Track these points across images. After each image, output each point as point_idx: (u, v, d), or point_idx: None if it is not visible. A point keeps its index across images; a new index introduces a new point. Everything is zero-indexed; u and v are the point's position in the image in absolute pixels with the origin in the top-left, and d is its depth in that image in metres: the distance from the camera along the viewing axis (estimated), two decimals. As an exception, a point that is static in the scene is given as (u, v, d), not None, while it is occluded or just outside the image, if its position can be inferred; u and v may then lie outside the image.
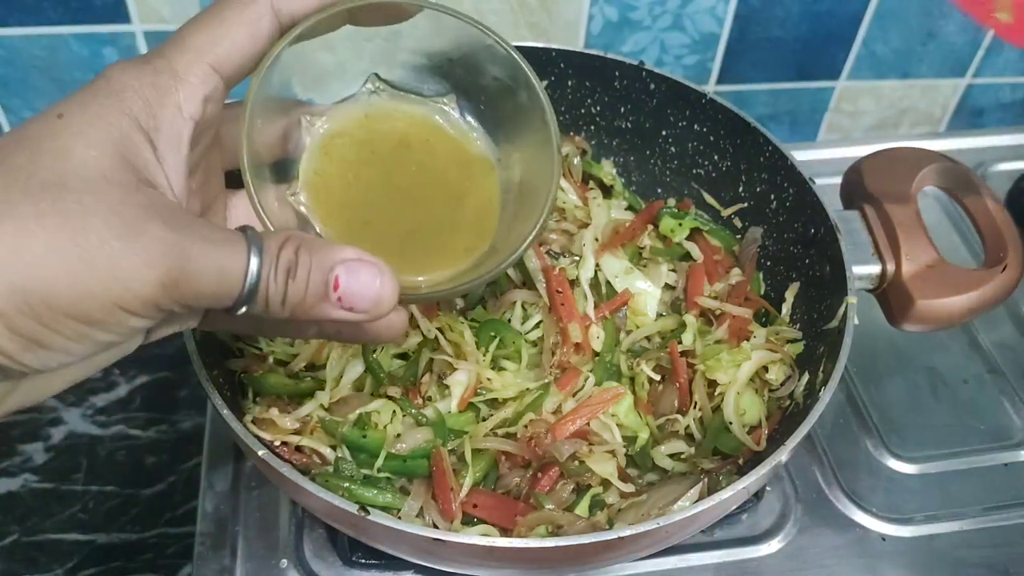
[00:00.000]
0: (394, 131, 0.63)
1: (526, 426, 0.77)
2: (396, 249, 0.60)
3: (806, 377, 0.80)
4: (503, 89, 0.61)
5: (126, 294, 0.41)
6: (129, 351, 0.49)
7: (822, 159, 1.20)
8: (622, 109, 0.97)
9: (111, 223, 0.40)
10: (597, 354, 0.85)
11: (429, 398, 0.81)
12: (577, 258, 0.90)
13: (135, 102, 0.44)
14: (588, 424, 0.78)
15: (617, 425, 0.79)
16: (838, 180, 0.88)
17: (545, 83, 0.97)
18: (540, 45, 0.94)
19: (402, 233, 0.61)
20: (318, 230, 0.58)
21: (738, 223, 0.95)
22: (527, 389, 0.81)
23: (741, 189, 0.94)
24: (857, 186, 0.85)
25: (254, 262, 0.44)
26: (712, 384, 0.82)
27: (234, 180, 0.54)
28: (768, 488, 0.89)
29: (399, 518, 0.71)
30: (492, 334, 0.84)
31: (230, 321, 0.54)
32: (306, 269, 0.45)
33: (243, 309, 0.45)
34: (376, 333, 0.56)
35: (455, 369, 0.80)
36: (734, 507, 0.74)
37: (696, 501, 0.70)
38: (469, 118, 0.65)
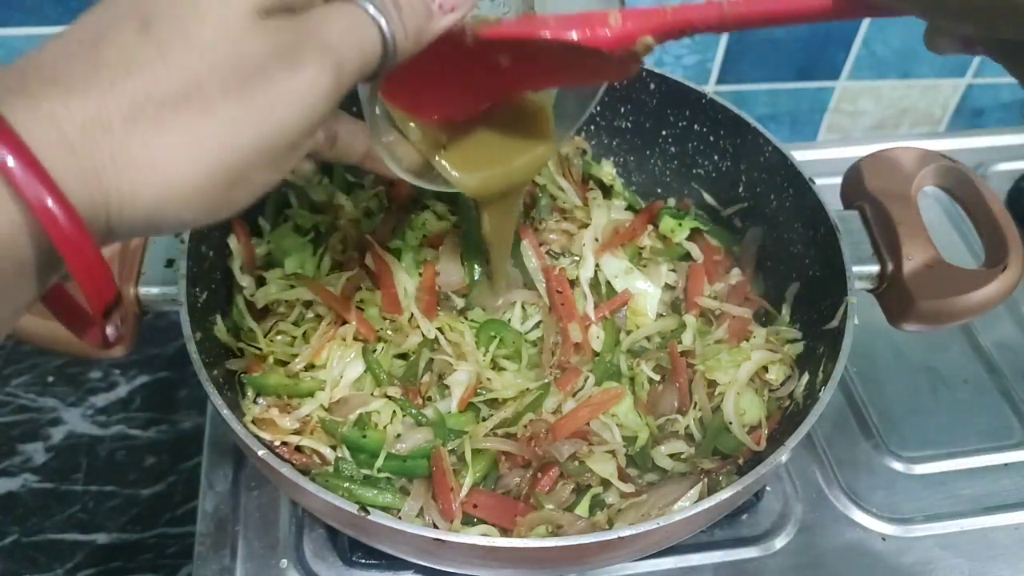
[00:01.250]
0: None
1: (526, 426, 0.77)
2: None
3: (806, 377, 0.80)
4: None
5: (307, 114, 0.43)
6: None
7: (822, 159, 1.20)
8: (622, 109, 0.97)
9: (266, 71, 0.42)
10: (597, 354, 0.85)
11: (429, 398, 0.81)
12: (577, 258, 0.90)
13: None
14: (588, 424, 0.78)
15: (617, 425, 0.79)
16: (838, 180, 0.88)
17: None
18: (540, 45, 0.94)
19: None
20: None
21: (738, 223, 0.95)
22: (527, 389, 0.81)
23: (741, 189, 0.94)
24: (857, 186, 0.85)
25: (375, 14, 0.46)
26: (712, 384, 0.82)
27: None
28: (768, 488, 0.89)
29: (399, 518, 0.71)
30: (492, 334, 0.84)
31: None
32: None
33: (386, 63, 0.48)
34: None
35: (455, 369, 0.80)
36: (734, 507, 0.74)
37: (696, 501, 0.70)
38: None
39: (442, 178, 0.69)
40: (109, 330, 0.44)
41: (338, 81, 0.44)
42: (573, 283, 0.88)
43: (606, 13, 0.56)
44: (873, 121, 1.33)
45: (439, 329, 0.83)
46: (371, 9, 0.46)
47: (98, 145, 0.38)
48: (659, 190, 1.00)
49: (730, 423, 0.79)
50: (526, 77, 0.66)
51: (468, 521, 0.73)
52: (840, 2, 0.51)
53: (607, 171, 0.99)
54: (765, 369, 0.83)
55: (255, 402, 0.79)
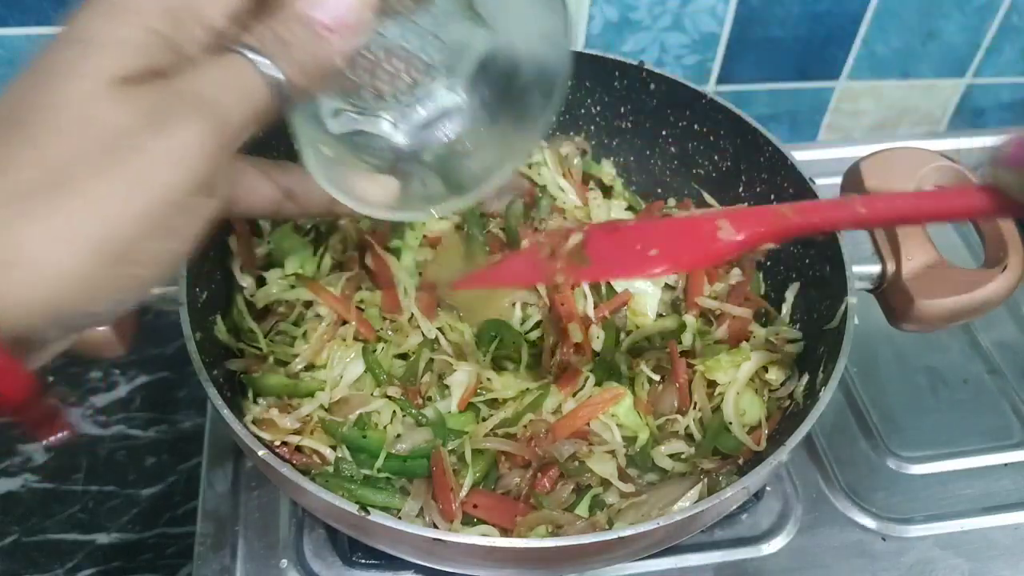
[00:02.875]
0: None
1: (526, 426, 0.77)
2: None
3: (806, 377, 0.80)
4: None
5: (188, 172, 0.41)
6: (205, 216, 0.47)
7: (822, 159, 1.20)
8: (622, 109, 0.97)
9: (134, 139, 0.41)
10: (597, 354, 0.85)
11: (429, 398, 0.81)
12: (577, 258, 0.90)
13: None
14: (588, 424, 0.78)
15: (617, 425, 0.79)
16: (838, 180, 0.88)
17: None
18: (540, 45, 0.94)
19: None
20: None
21: (738, 223, 0.95)
22: (527, 389, 0.81)
23: (741, 189, 0.93)
24: (857, 186, 0.85)
25: (254, 57, 0.44)
26: (712, 384, 0.82)
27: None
28: (768, 488, 0.89)
29: (399, 518, 0.71)
30: (492, 334, 0.84)
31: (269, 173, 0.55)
32: (290, 32, 0.46)
33: (289, 101, 0.46)
34: None
35: (455, 369, 0.80)
36: (734, 507, 0.74)
37: (696, 501, 0.70)
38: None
39: (422, 206, 0.63)
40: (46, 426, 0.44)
41: (221, 134, 0.42)
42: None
43: (713, 223, 0.48)
44: (873, 121, 1.33)
45: (439, 329, 0.83)
46: (249, 54, 0.44)
47: None
48: (659, 190, 1.00)
49: (730, 423, 0.79)
50: None
51: (468, 521, 0.73)
52: (991, 205, 0.48)
53: (607, 171, 0.99)
54: (765, 369, 0.83)
55: (255, 402, 0.79)
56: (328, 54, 0.47)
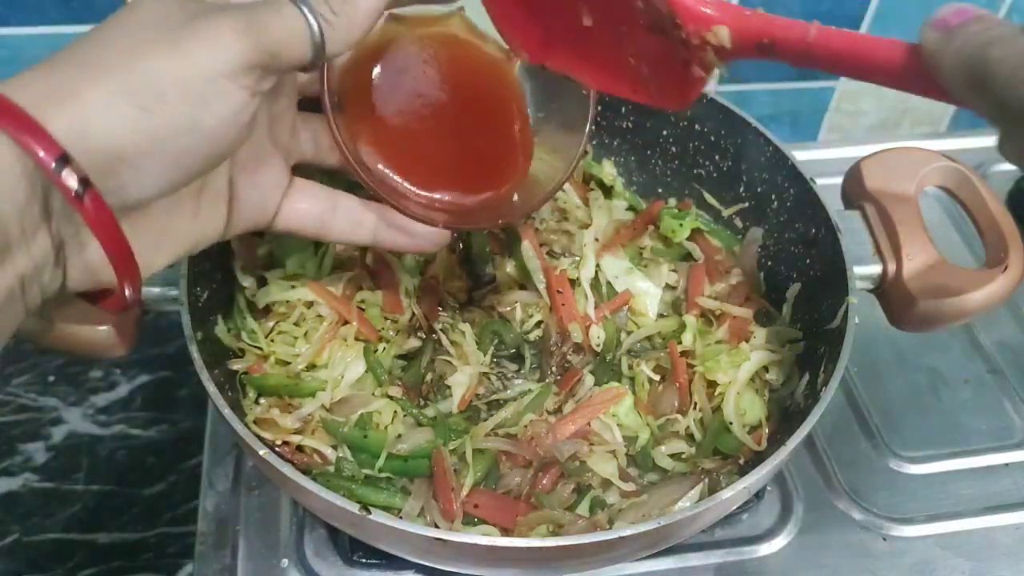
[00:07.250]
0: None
1: (526, 426, 0.77)
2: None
3: (807, 377, 0.80)
4: None
5: (221, 56, 0.47)
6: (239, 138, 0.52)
7: (823, 159, 1.20)
8: (623, 109, 0.97)
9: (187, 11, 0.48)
10: (597, 354, 0.85)
11: (429, 398, 0.81)
12: (578, 258, 0.90)
13: None
14: (589, 424, 0.79)
15: (617, 425, 0.79)
16: (839, 180, 0.88)
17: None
18: (541, 45, 0.94)
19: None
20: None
21: (739, 223, 0.95)
22: (528, 390, 0.81)
23: (742, 189, 0.94)
24: (858, 186, 0.85)
25: (306, 11, 0.51)
26: (712, 384, 0.82)
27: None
28: (769, 488, 0.89)
29: (400, 518, 0.71)
30: (492, 334, 0.84)
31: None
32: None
33: (318, 56, 0.52)
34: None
35: (456, 369, 0.80)
36: (735, 507, 0.74)
37: (697, 501, 0.71)
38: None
39: None
40: (127, 292, 0.49)
41: (261, 52, 0.48)
42: (574, 283, 0.88)
43: None
44: (874, 121, 1.34)
45: (441, 329, 0.83)
46: (301, 6, 0.50)
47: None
48: (660, 190, 1.01)
49: (730, 423, 0.79)
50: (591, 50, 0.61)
51: (469, 521, 0.73)
52: (912, 65, 0.48)
53: (608, 171, 0.99)
54: (765, 369, 0.83)
55: (256, 402, 0.79)
56: (367, 8, 0.53)
